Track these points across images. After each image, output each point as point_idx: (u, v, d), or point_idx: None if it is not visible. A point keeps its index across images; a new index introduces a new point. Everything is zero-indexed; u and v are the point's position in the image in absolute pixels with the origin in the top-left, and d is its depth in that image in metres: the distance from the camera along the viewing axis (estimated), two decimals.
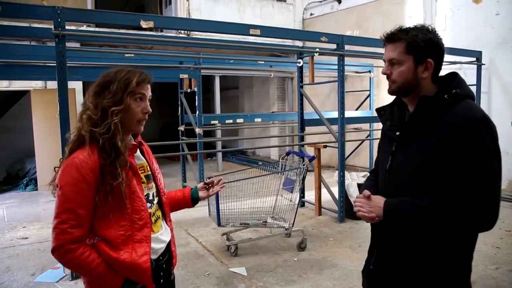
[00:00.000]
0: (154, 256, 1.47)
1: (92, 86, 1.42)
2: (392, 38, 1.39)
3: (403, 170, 1.41)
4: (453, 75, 1.41)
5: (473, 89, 6.46)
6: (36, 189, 7.42)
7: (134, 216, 1.39)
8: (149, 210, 1.48)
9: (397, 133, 1.45)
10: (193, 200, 1.77)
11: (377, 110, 1.61)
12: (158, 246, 1.50)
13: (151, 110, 1.46)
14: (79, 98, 7.05)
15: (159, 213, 1.57)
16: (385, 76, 1.45)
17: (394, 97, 1.53)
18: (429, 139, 1.33)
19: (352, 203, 1.62)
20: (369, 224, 1.52)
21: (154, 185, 1.55)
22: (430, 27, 1.39)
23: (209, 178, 1.83)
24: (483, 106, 6.63)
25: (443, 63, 1.43)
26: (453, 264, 1.37)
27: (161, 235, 1.53)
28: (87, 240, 1.37)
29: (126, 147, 1.40)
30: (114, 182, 1.33)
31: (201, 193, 1.77)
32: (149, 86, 1.46)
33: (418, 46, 1.35)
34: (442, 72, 1.45)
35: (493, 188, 1.25)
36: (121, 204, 1.36)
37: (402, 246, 1.41)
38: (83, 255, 1.31)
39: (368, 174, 1.77)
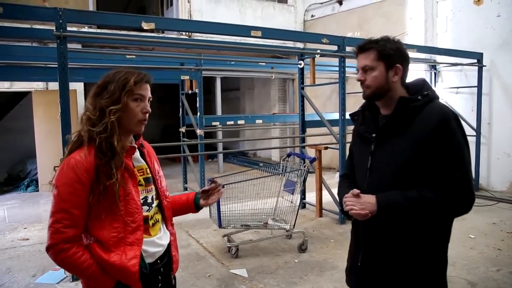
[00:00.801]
0: (150, 260, 1.46)
1: (92, 88, 1.44)
2: (363, 48, 1.55)
3: (385, 168, 1.51)
4: (422, 81, 1.59)
5: (474, 90, 6.49)
6: (37, 190, 7.43)
7: (127, 218, 1.39)
8: (147, 213, 1.48)
9: (373, 135, 1.55)
10: (196, 206, 1.73)
11: (351, 115, 1.74)
12: (154, 250, 1.48)
13: (150, 110, 1.46)
14: (80, 99, 7.09)
15: (158, 216, 1.55)
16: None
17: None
18: (406, 136, 1.46)
19: None
20: None
21: (153, 188, 1.54)
22: (396, 39, 1.56)
23: (211, 180, 1.79)
24: (484, 107, 6.64)
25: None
26: (433, 255, 1.49)
27: (158, 239, 1.51)
28: (84, 240, 1.37)
29: (123, 148, 1.40)
30: (108, 182, 1.33)
31: (201, 201, 1.73)
32: (148, 86, 1.45)
33: (387, 53, 1.50)
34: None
35: (469, 175, 1.43)
36: (114, 205, 1.36)
37: (389, 240, 1.51)
38: (75, 255, 1.32)
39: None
